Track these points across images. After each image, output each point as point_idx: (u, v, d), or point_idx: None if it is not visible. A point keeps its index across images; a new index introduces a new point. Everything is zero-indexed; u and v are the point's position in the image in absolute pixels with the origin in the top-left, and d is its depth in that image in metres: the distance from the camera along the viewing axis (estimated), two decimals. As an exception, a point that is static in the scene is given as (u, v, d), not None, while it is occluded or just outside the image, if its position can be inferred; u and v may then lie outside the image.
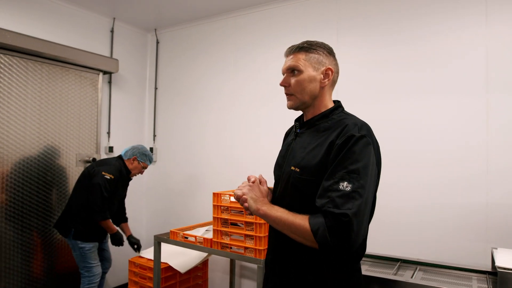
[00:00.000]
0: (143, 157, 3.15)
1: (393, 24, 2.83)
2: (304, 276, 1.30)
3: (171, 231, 2.82)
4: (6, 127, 3.00)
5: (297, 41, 3.27)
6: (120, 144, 3.95)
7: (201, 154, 3.83)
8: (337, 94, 2.54)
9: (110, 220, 3.00)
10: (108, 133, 3.85)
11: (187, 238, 2.73)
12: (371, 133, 1.28)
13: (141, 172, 3.23)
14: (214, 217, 2.56)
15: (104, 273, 3.21)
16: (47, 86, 3.27)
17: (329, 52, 1.40)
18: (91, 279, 2.97)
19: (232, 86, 3.65)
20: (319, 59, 1.36)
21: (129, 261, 3.31)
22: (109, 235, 3.10)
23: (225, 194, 2.55)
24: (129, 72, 4.08)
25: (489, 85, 2.48)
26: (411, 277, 2.11)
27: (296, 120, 1.51)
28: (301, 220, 1.20)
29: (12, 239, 3.02)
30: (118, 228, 3.14)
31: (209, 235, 2.71)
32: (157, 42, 4.25)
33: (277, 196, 1.42)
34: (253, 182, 1.39)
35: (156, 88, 4.24)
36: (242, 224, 2.43)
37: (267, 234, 2.35)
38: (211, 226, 2.99)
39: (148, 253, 3.32)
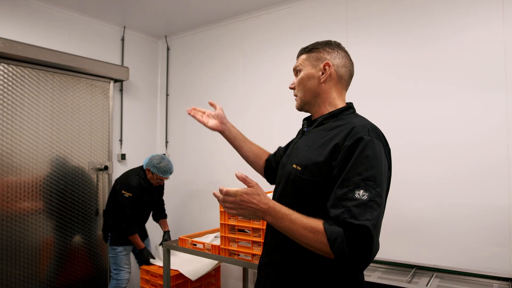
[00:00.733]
0: (154, 169, 3.14)
1: (403, 23, 2.73)
2: (302, 285, 1.23)
3: (180, 238, 2.79)
4: (19, 137, 3.05)
5: (306, 43, 3.22)
6: (132, 151, 3.97)
7: (214, 159, 3.81)
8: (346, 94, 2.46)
9: (137, 236, 3.14)
10: (120, 140, 3.87)
11: (195, 245, 2.69)
12: (381, 136, 1.20)
13: (161, 182, 3.26)
14: (221, 224, 2.51)
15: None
16: (58, 95, 3.32)
17: (332, 48, 1.34)
18: (118, 282, 3.13)
19: (243, 90, 3.61)
20: (318, 56, 1.33)
21: (141, 268, 3.31)
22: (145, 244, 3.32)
23: (232, 199, 2.49)
24: (140, 79, 4.10)
25: (508, 81, 2.35)
26: (427, 285, 2.00)
27: (304, 119, 1.45)
28: (316, 224, 1.08)
29: (28, 246, 3.07)
30: (145, 246, 3.24)
31: (218, 242, 2.67)
32: (168, 49, 4.26)
33: (277, 195, 1.35)
34: (226, 193, 1.13)
35: (167, 95, 4.25)
36: (249, 230, 2.37)
37: (274, 240, 2.28)
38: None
39: (160, 260, 3.30)
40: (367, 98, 2.80)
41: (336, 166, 1.13)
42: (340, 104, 1.34)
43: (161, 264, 3.17)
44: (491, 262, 2.30)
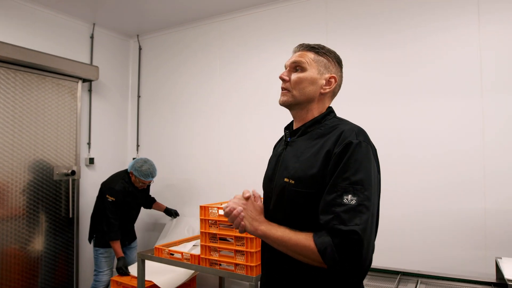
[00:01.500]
0: (137, 173, 3.11)
1: (382, 25, 2.75)
2: None
3: (155, 247, 2.64)
4: (-24, 139, 2.79)
5: (285, 45, 3.18)
6: (101, 155, 3.76)
7: (188, 164, 3.67)
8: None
9: (118, 243, 3.05)
10: (89, 144, 3.65)
11: (173, 254, 2.55)
12: (369, 138, 1.18)
13: (144, 186, 3.21)
14: (201, 232, 2.39)
15: None
16: (21, 95, 3.07)
17: (338, 62, 1.32)
18: (96, 284, 3.12)
19: (219, 92, 3.51)
20: (327, 64, 1.28)
21: (112, 280, 3.11)
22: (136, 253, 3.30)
23: (213, 207, 2.39)
24: (110, 79, 3.90)
25: (483, 87, 2.40)
26: (414, 292, 1.98)
27: (285, 128, 1.38)
28: (306, 240, 1.08)
29: (-17, 260, 2.80)
30: (123, 255, 3.12)
31: (197, 251, 2.54)
32: (140, 49, 4.09)
33: (270, 211, 1.27)
34: (248, 199, 1.24)
35: (139, 96, 4.07)
36: (232, 239, 2.27)
37: (259, 249, 2.20)
38: (199, 240, 2.83)
39: (131, 269, 3.12)
40: (343, 102, 2.78)
41: (328, 173, 1.11)
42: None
43: (133, 273, 2.99)
44: (471, 265, 2.36)
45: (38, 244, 3.17)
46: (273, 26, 3.24)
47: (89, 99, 3.68)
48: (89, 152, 3.66)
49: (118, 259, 3.04)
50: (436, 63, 2.55)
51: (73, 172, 3.38)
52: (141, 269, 2.64)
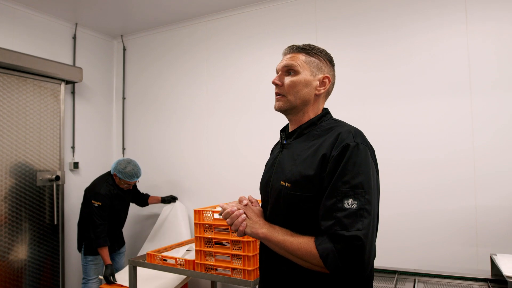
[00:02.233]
0: (121, 174, 3.02)
1: (371, 25, 2.75)
2: None
3: (148, 253, 2.56)
4: (-46, 145, 2.65)
5: (274, 45, 3.16)
6: (86, 159, 3.65)
7: (176, 167, 3.60)
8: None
9: (106, 250, 2.94)
10: (73, 147, 3.53)
11: (166, 260, 2.49)
12: (366, 139, 1.17)
13: (129, 187, 3.12)
14: (196, 237, 2.34)
15: None
16: (1, 98, 2.94)
17: (330, 61, 1.30)
18: None
19: (207, 93, 3.45)
20: (319, 65, 1.26)
21: (100, 287, 3.01)
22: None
23: (208, 210, 2.33)
24: (94, 81, 3.79)
25: (472, 87, 2.44)
26: (413, 291, 1.98)
27: (281, 131, 1.35)
28: (307, 246, 1.07)
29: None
30: (111, 263, 2.98)
31: (191, 256, 2.49)
32: (124, 49, 3.99)
33: (268, 214, 1.25)
34: (246, 205, 1.23)
35: (124, 98, 3.96)
36: (228, 243, 2.22)
37: (256, 252, 2.16)
38: (192, 245, 2.77)
39: (119, 276, 3.02)
40: (331, 103, 2.77)
41: (325, 177, 1.09)
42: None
43: (122, 281, 2.90)
44: (464, 262, 2.40)
45: (22, 253, 3.04)
46: (262, 26, 3.21)
47: (73, 102, 3.56)
48: (73, 156, 3.54)
49: (106, 266, 2.94)
50: (425, 62, 2.57)
51: (57, 177, 3.25)
52: (133, 277, 2.55)
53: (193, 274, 2.34)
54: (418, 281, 2.14)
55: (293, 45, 1.29)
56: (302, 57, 1.25)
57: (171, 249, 2.74)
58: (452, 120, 2.49)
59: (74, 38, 3.57)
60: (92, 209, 2.93)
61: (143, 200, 3.45)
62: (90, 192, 3.02)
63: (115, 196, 3.07)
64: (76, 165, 3.53)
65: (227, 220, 1.18)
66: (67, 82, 3.43)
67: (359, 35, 2.80)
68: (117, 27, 3.76)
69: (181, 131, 3.59)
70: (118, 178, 3.03)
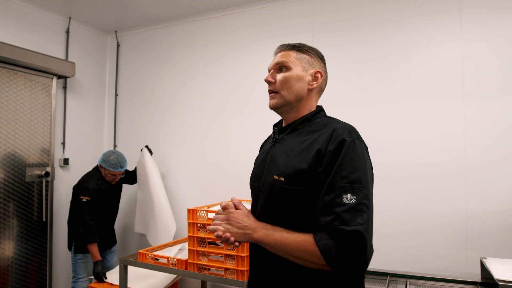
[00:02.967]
0: (105, 164, 3.00)
1: (368, 28, 2.77)
2: None
3: (139, 252, 2.53)
4: None
5: (270, 45, 3.15)
6: (77, 155, 3.59)
7: (167, 165, 3.57)
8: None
9: (96, 246, 2.92)
10: (63, 143, 3.48)
11: (157, 259, 2.46)
12: (360, 136, 1.17)
13: (115, 178, 3.09)
14: (189, 236, 2.32)
15: None
16: (-9, 91, 2.88)
17: (321, 58, 1.32)
18: None
19: (201, 92, 3.43)
20: (310, 60, 1.27)
21: (89, 286, 2.96)
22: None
23: (202, 210, 2.32)
24: (87, 76, 3.73)
25: (465, 93, 2.47)
26: (405, 293, 2.00)
27: (274, 126, 1.35)
28: (307, 244, 1.05)
29: None
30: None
31: (183, 255, 2.47)
32: (118, 45, 3.94)
33: (259, 210, 1.24)
34: (225, 208, 1.20)
35: (116, 95, 3.92)
36: (222, 243, 2.21)
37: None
38: (184, 244, 2.75)
39: (109, 275, 2.98)
40: (326, 104, 2.78)
41: (321, 172, 1.09)
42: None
43: (113, 280, 2.86)
44: (454, 266, 2.43)
45: (8, 250, 2.98)
46: (259, 26, 3.20)
47: (64, 97, 3.50)
48: (63, 152, 3.48)
49: (96, 263, 2.90)
50: (419, 67, 2.60)
51: (46, 174, 3.20)
52: (124, 276, 2.52)
53: (186, 274, 2.33)
54: (409, 284, 2.15)
55: (284, 44, 1.30)
56: (293, 54, 1.26)
57: (162, 248, 2.72)
58: (445, 125, 2.52)
59: (67, 32, 3.52)
60: (80, 205, 2.90)
61: (131, 177, 3.42)
62: (79, 188, 2.99)
63: (104, 191, 3.04)
64: (66, 161, 3.47)
65: (221, 239, 1.16)
66: (59, 77, 3.37)
67: (354, 38, 2.82)
68: (112, 23, 3.72)
69: (174, 130, 3.56)
70: (104, 169, 3.01)
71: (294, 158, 1.16)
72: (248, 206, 1.35)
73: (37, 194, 3.18)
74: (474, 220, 2.42)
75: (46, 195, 3.22)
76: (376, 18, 2.75)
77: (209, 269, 2.24)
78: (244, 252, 2.13)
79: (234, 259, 2.15)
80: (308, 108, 1.27)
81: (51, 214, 3.29)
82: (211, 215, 2.28)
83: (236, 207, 1.21)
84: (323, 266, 1.04)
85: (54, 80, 3.31)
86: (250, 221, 1.14)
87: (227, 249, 2.18)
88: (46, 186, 3.23)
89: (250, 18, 3.24)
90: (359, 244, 0.99)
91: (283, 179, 1.14)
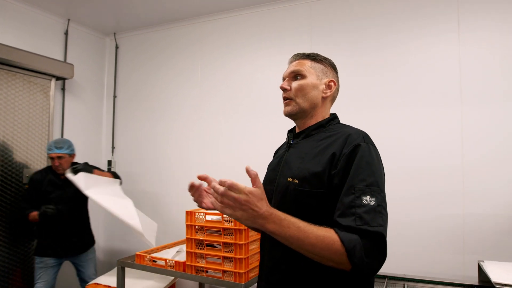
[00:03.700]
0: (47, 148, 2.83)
1: (365, 31, 2.79)
2: None
3: (137, 254, 2.53)
4: None
5: (268, 48, 3.17)
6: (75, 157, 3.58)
7: (166, 167, 3.57)
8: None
9: (31, 213, 2.73)
10: (61, 145, 3.47)
11: (155, 261, 2.46)
12: (373, 142, 1.21)
13: (56, 165, 2.78)
14: (187, 238, 2.32)
15: None
16: (-11, 92, 2.88)
17: (334, 67, 1.36)
18: None
19: (199, 94, 3.44)
20: (324, 69, 1.31)
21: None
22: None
23: (200, 212, 2.32)
24: (85, 78, 3.73)
25: (463, 98, 2.49)
26: (402, 296, 2.00)
27: (289, 131, 1.38)
28: (329, 238, 0.99)
29: None
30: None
31: (181, 257, 2.47)
32: (116, 47, 3.94)
33: None
34: (231, 186, 0.98)
35: (115, 96, 3.92)
36: (220, 245, 2.21)
37: (248, 255, 2.15)
38: (182, 246, 2.75)
39: (107, 278, 2.97)
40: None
41: (336, 175, 1.10)
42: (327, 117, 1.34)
43: (108, 282, 2.86)
44: (451, 269, 2.44)
45: (5, 250, 2.96)
46: (257, 29, 3.21)
47: (63, 98, 3.50)
48: (61, 154, 3.47)
49: (40, 213, 2.69)
50: (416, 71, 2.61)
51: (44, 175, 3.18)
52: (121, 278, 2.52)
53: (183, 276, 2.32)
54: (407, 286, 2.16)
55: (298, 53, 1.34)
56: (307, 63, 1.30)
57: (160, 250, 2.71)
58: (442, 130, 2.53)
59: (66, 34, 3.52)
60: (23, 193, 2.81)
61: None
62: None
63: (48, 182, 2.82)
64: (64, 163, 3.46)
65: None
66: (58, 78, 3.37)
67: (352, 41, 2.83)
68: (110, 25, 3.72)
69: (172, 131, 3.56)
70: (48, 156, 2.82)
71: (308, 161, 1.18)
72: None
73: (34, 195, 3.16)
74: (472, 223, 2.43)
75: (44, 196, 3.21)
76: (374, 22, 2.77)
77: (207, 271, 2.24)
78: (242, 254, 2.13)
79: (232, 261, 2.15)
80: (321, 115, 1.30)
81: (49, 215, 3.27)
82: (209, 217, 2.28)
83: (254, 181, 1.01)
84: (340, 265, 0.99)
85: (53, 81, 3.31)
86: (264, 208, 0.97)
87: (225, 252, 2.18)
88: (44, 187, 3.21)
89: (248, 21, 3.25)
90: (381, 245, 1.01)
91: (297, 181, 1.16)
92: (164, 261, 2.41)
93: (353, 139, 1.14)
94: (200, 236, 2.28)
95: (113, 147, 3.88)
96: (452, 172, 2.49)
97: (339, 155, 1.11)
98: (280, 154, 1.35)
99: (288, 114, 1.29)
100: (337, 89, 1.35)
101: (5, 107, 2.97)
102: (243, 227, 2.13)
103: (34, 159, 3.17)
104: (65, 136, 3.50)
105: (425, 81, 2.59)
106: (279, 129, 1.41)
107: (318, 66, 1.30)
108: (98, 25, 3.71)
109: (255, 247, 2.26)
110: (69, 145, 2.86)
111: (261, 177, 1.39)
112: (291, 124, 1.37)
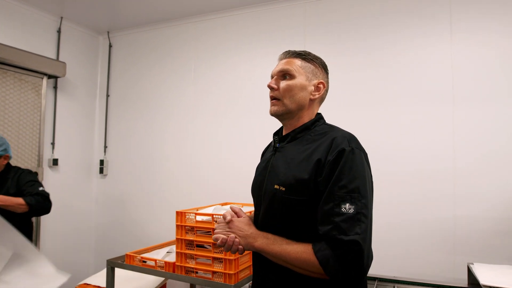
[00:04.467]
0: None
1: (357, 32, 2.80)
2: None
3: (127, 254, 2.51)
4: None
5: (263, 48, 3.16)
6: (66, 156, 3.56)
7: (159, 167, 3.55)
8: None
9: None
10: (53, 144, 3.45)
11: (145, 262, 2.44)
12: (360, 144, 1.19)
13: None
14: (177, 239, 2.30)
15: None
16: (-21, 90, 2.85)
17: (324, 68, 1.33)
18: None
19: (193, 94, 3.42)
20: (314, 70, 1.28)
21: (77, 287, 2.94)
22: None
23: (190, 212, 2.31)
24: (78, 77, 3.71)
25: (455, 100, 2.49)
26: (392, 298, 2.00)
27: (274, 134, 1.36)
28: (306, 254, 1.08)
29: None
30: None
31: (171, 258, 2.45)
32: (110, 46, 3.92)
33: (260, 217, 1.25)
34: (229, 221, 1.24)
35: (108, 95, 3.89)
36: (210, 246, 2.20)
37: (238, 256, 2.14)
38: (173, 247, 2.73)
39: (97, 278, 2.95)
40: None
41: (321, 182, 1.10)
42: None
43: (98, 282, 2.84)
44: (441, 271, 2.45)
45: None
46: (251, 29, 3.21)
47: (54, 97, 3.48)
48: (52, 152, 3.45)
49: None
50: (410, 74, 2.62)
51: (35, 174, 3.16)
52: (110, 278, 2.50)
53: (173, 277, 2.31)
54: (397, 288, 2.16)
55: (289, 51, 1.30)
56: (298, 62, 1.26)
57: (151, 251, 2.69)
58: (434, 132, 2.53)
59: (59, 32, 3.50)
60: None
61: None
62: None
63: None
64: (55, 161, 3.44)
65: (224, 248, 1.20)
66: (50, 77, 3.35)
67: (346, 42, 2.83)
68: (104, 23, 3.70)
69: (165, 131, 3.55)
70: None
71: (294, 167, 1.16)
72: (245, 209, 1.37)
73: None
74: (462, 226, 2.43)
75: (34, 195, 3.18)
76: (367, 22, 2.77)
77: (196, 272, 2.23)
78: (232, 255, 2.12)
79: (222, 262, 2.14)
80: (308, 116, 1.28)
81: (39, 215, 3.25)
82: (199, 218, 2.26)
83: (237, 215, 1.26)
84: (321, 275, 1.06)
85: (44, 79, 3.29)
86: (252, 230, 1.19)
87: (214, 252, 2.17)
88: (34, 186, 3.19)
89: (242, 21, 3.25)
90: (356, 253, 1.01)
91: (283, 189, 1.15)
92: (154, 262, 2.39)
93: (338, 144, 1.12)
94: (190, 237, 2.27)
95: (105, 146, 3.86)
96: (443, 174, 2.49)
97: (324, 162, 1.11)
98: (267, 158, 1.34)
99: (274, 114, 1.27)
100: (326, 91, 1.33)
101: (-5, 105, 2.94)
102: (233, 227, 2.11)
103: (25, 157, 3.14)
104: (57, 135, 3.48)
105: (417, 83, 2.59)
106: (273, 128, 1.40)
107: (308, 66, 1.27)
108: (92, 23, 3.69)
109: (246, 248, 2.25)
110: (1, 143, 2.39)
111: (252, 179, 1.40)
112: None
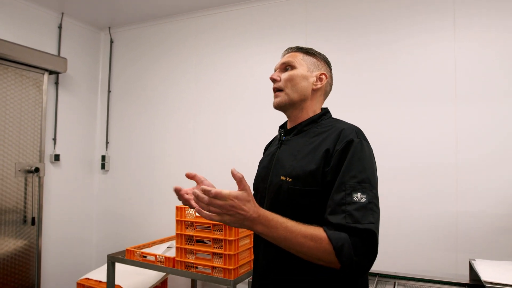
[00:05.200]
0: None
1: (359, 29, 2.76)
2: None
3: (127, 249, 2.52)
4: None
5: (264, 43, 3.15)
6: (68, 152, 3.57)
7: (161, 163, 3.55)
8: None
9: None
10: (54, 139, 3.45)
11: (145, 257, 2.44)
12: (366, 138, 1.18)
13: None
14: (177, 234, 2.30)
15: None
16: (-20, 85, 2.85)
17: (327, 62, 1.35)
18: None
19: (195, 90, 3.41)
20: (315, 63, 1.30)
21: (77, 283, 2.94)
22: None
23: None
24: (79, 72, 3.70)
25: (458, 97, 2.46)
26: (392, 294, 1.99)
27: (280, 127, 1.36)
28: (317, 238, 0.97)
29: None
30: None
31: (171, 253, 2.45)
32: (111, 42, 3.91)
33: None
34: (215, 196, 0.90)
35: (109, 91, 3.89)
36: (210, 241, 2.20)
37: (238, 251, 2.14)
38: (173, 242, 2.74)
39: (98, 273, 2.96)
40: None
41: (329, 172, 1.09)
42: (319, 111, 1.32)
43: (99, 277, 2.84)
44: (443, 267, 2.42)
45: (-4, 246, 2.95)
46: (253, 24, 3.19)
47: (56, 93, 3.47)
48: (54, 148, 3.45)
49: None
50: (410, 68, 2.59)
51: (36, 169, 3.17)
52: (111, 272, 2.51)
53: (173, 272, 2.31)
54: (397, 284, 2.14)
55: (291, 46, 1.34)
56: (299, 55, 1.29)
57: (151, 246, 2.70)
58: (436, 128, 2.50)
59: (60, 27, 3.49)
60: None
61: None
62: None
63: None
64: (57, 157, 3.44)
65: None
66: (51, 72, 3.34)
67: (348, 38, 2.80)
68: (105, 19, 3.69)
69: (167, 127, 3.54)
70: None
71: (301, 159, 1.16)
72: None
73: (26, 190, 3.15)
74: (464, 222, 2.41)
75: (36, 191, 3.20)
76: (369, 19, 2.74)
77: (196, 267, 2.23)
78: (232, 250, 2.12)
79: (222, 257, 2.14)
80: (312, 109, 1.28)
81: (41, 210, 3.26)
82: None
83: (239, 183, 0.94)
84: (329, 264, 0.98)
85: (46, 75, 3.28)
86: (251, 210, 0.93)
87: (214, 248, 2.16)
88: (36, 182, 3.20)
89: (244, 16, 3.23)
90: (372, 242, 0.98)
91: (290, 180, 1.14)
92: (154, 257, 2.40)
93: (346, 135, 1.12)
94: (190, 232, 2.27)
95: (107, 142, 3.86)
96: (445, 170, 2.47)
97: (332, 152, 1.10)
98: (272, 151, 1.33)
99: (277, 106, 1.27)
100: (330, 85, 1.34)
101: (-4, 100, 2.94)
102: (233, 223, 2.11)
103: (26, 153, 3.15)
104: (58, 131, 3.48)
105: (420, 79, 2.57)
106: (275, 124, 1.40)
107: (310, 59, 1.29)
108: (93, 19, 3.68)
109: (245, 243, 2.24)
110: None
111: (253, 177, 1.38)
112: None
